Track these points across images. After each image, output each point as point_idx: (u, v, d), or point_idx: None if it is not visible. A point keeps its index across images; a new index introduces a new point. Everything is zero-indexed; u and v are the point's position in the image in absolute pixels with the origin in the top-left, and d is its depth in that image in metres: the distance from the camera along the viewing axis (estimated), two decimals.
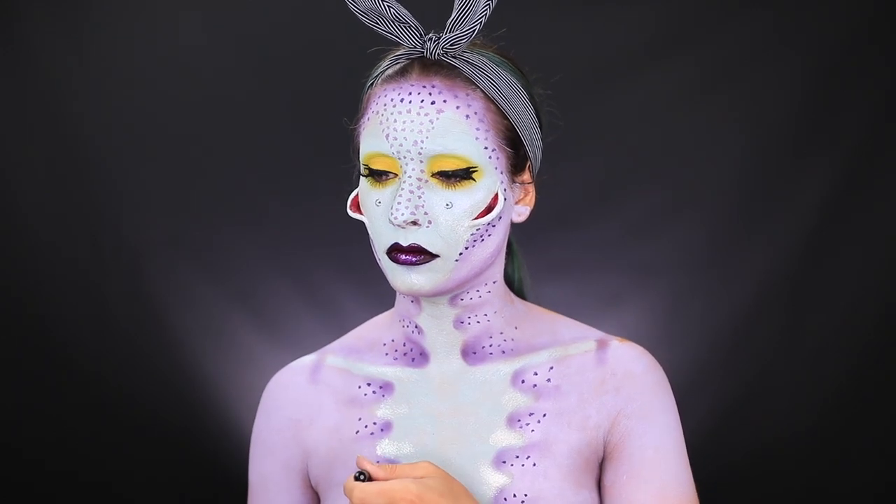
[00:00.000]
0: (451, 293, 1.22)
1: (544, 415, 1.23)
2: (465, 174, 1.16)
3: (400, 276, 1.17)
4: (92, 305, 2.37)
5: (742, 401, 2.34)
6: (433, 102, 1.15)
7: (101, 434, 2.34)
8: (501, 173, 1.19)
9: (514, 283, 1.37)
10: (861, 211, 2.30)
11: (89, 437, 2.35)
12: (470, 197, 1.16)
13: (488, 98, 1.18)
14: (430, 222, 1.15)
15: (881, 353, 2.30)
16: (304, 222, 2.37)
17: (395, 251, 1.16)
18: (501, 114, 1.19)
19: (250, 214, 2.39)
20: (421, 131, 1.15)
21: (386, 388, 1.27)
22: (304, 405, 1.30)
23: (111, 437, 2.35)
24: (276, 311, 2.39)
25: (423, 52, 1.19)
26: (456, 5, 1.16)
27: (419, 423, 1.24)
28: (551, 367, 1.25)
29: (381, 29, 1.18)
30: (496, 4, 1.16)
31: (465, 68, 1.17)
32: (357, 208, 1.23)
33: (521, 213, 1.25)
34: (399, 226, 1.15)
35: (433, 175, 1.16)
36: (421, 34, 1.18)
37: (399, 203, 1.14)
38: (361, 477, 1.11)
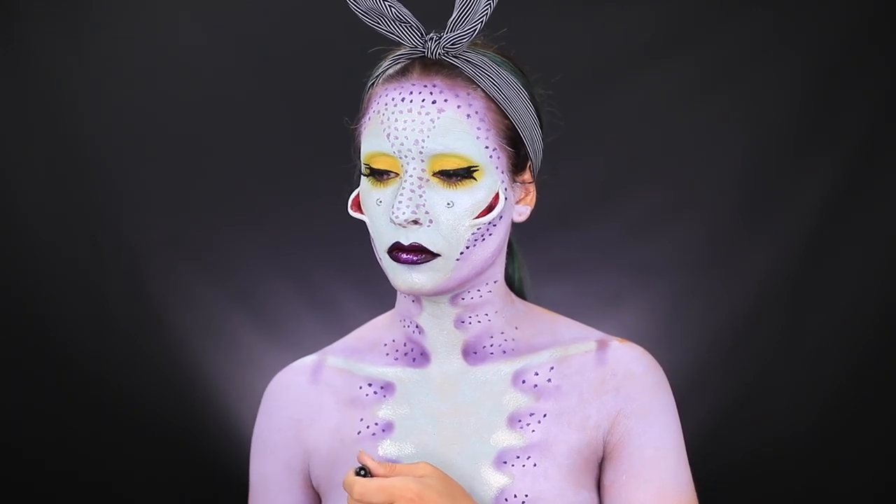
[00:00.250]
0: (452, 292, 1.22)
1: (545, 415, 1.23)
2: (466, 173, 1.16)
3: (401, 276, 1.17)
4: (92, 305, 2.37)
5: (742, 401, 2.34)
6: (434, 102, 1.16)
7: (101, 434, 2.34)
8: (502, 173, 1.19)
9: (514, 283, 1.37)
10: (861, 211, 2.30)
11: (89, 437, 2.35)
12: (471, 196, 1.16)
13: (489, 98, 1.18)
14: (431, 221, 1.16)
15: (881, 353, 2.30)
16: (304, 222, 2.37)
17: (396, 250, 1.17)
18: (502, 113, 1.19)
19: (250, 214, 2.39)
20: (422, 130, 1.15)
21: (387, 388, 1.27)
22: (306, 405, 1.30)
23: (111, 437, 2.35)
24: (276, 311, 2.39)
25: (424, 52, 1.19)
26: (457, 5, 1.16)
27: (420, 423, 1.24)
28: (552, 368, 1.25)
29: (382, 29, 1.18)
30: (497, 4, 1.16)
31: (466, 68, 1.17)
32: (358, 208, 1.23)
33: (522, 212, 1.25)
34: (400, 225, 1.15)
35: (434, 174, 1.16)
36: (422, 34, 1.18)
37: (400, 202, 1.14)
38: (362, 472, 1.11)
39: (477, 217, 1.17)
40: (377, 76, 1.22)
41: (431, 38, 1.18)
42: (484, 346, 1.26)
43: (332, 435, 1.28)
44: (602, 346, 1.27)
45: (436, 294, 1.20)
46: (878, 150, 2.29)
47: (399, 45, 1.21)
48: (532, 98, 1.23)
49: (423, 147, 1.15)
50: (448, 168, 1.15)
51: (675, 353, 2.26)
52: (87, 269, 2.36)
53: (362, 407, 1.27)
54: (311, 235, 2.36)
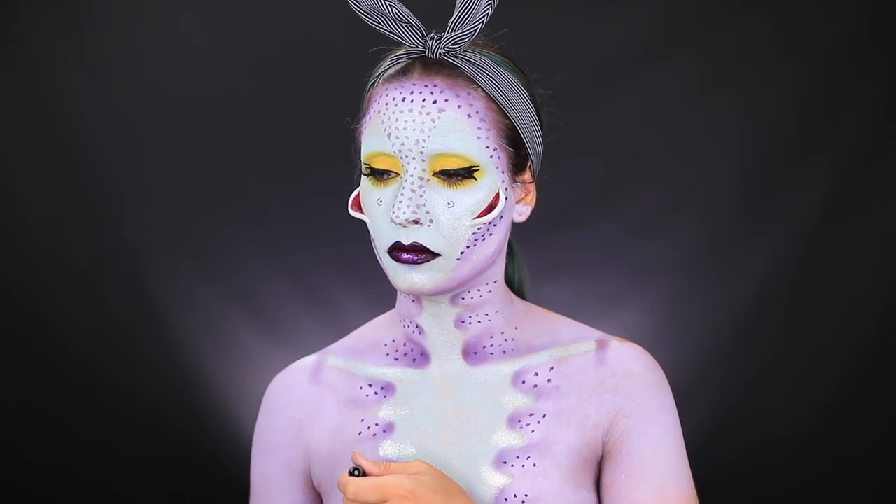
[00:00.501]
0: (453, 292, 1.22)
1: (544, 415, 1.23)
2: (466, 173, 1.16)
3: (401, 275, 1.17)
4: (92, 305, 2.36)
5: (742, 401, 2.34)
6: (435, 102, 1.16)
7: (101, 434, 2.34)
8: (503, 172, 1.19)
9: (514, 284, 1.37)
10: (861, 211, 2.30)
11: (89, 437, 2.34)
12: (471, 196, 1.16)
13: (490, 97, 1.18)
14: (431, 221, 1.16)
15: (881, 353, 2.30)
16: (304, 222, 2.37)
17: (396, 250, 1.17)
18: (503, 113, 1.19)
19: (250, 214, 2.39)
20: (423, 130, 1.15)
21: (387, 388, 1.27)
22: (306, 405, 1.31)
23: (111, 437, 2.35)
24: (276, 311, 2.39)
25: (424, 52, 1.19)
26: (458, 5, 1.16)
27: (421, 423, 1.25)
28: (551, 368, 1.25)
29: (383, 28, 1.19)
30: (497, 4, 1.16)
31: (467, 68, 1.18)
32: (358, 207, 1.23)
33: (522, 212, 1.25)
34: (401, 224, 1.15)
35: (435, 174, 1.16)
36: (423, 34, 1.19)
37: (401, 202, 1.14)
38: (356, 472, 1.12)
39: (477, 217, 1.17)
40: (378, 76, 1.22)
41: (432, 38, 1.18)
42: (484, 347, 1.26)
43: (333, 435, 1.28)
44: (602, 345, 1.27)
45: (436, 294, 1.20)
46: (878, 150, 2.29)
47: (400, 44, 1.21)
48: (532, 98, 1.24)
49: (423, 147, 1.15)
50: (448, 168, 1.16)
51: (675, 353, 2.26)
52: (87, 269, 2.36)
53: (363, 407, 1.27)
54: (311, 235, 2.36)
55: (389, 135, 1.16)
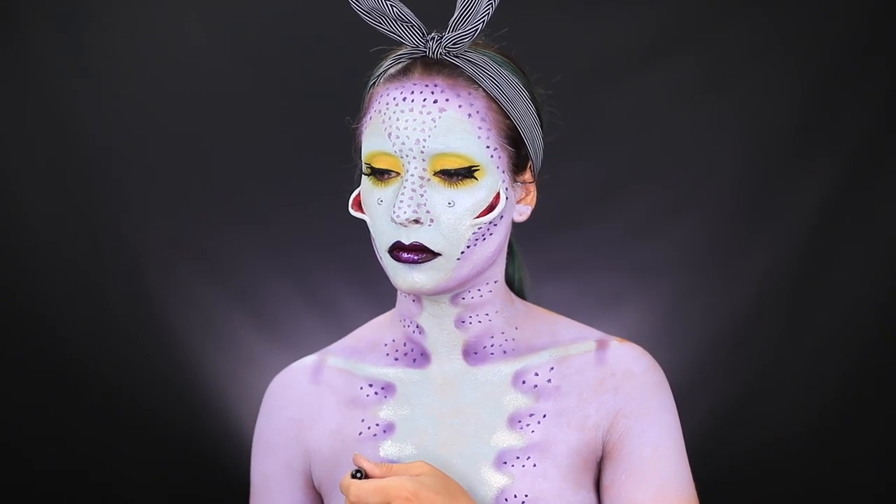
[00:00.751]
0: (453, 292, 1.22)
1: (544, 415, 1.23)
2: (467, 173, 1.16)
3: (402, 275, 1.17)
4: (92, 305, 2.36)
5: (742, 401, 2.33)
6: (435, 101, 1.16)
7: (101, 434, 2.34)
8: (503, 172, 1.19)
9: (514, 284, 1.37)
10: (861, 211, 2.30)
11: (89, 437, 2.34)
12: (472, 196, 1.16)
13: (490, 97, 1.18)
14: (432, 221, 1.16)
15: (881, 353, 2.30)
16: (304, 222, 2.37)
17: (397, 250, 1.17)
18: (503, 113, 1.19)
19: (250, 214, 2.39)
20: (423, 130, 1.15)
21: (388, 388, 1.27)
22: (306, 405, 1.31)
23: (111, 437, 2.35)
24: (276, 311, 2.39)
25: (425, 52, 1.19)
26: (458, 5, 1.16)
27: (421, 424, 1.25)
28: (552, 368, 1.26)
29: (383, 28, 1.19)
30: (498, 4, 1.16)
31: (468, 67, 1.18)
32: (359, 207, 1.23)
33: (523, 212, 1.25)
34: (401, 224, 1.15)
35: (435, 174, 1.16)
36: (423, 33, 1.19)
37: (401, 201, 1.14)
38: (358, 475, 1.11)
39: (478, 217, 1.17)
40: (378, 76, 1.22)
41: (433, 38, 1.18)
42: (484, 347, 1.26)
43: (334, 436, 1.28)
44: (602, 345, 1.27)
45: (436, 293, 1.20)
46: (878, 150, 2.29)
47: (400, 44, 1.21)
48: (533, 98, 1.24)
49: (424, 146, 1.15)
50: (449, 167, 1.16)
51: (675, 353, 2.26)
52: (87, 269, 2.36)
53: (363, 407, 1.28)
54: (311, 235, 2.36)
55: (390, 134, 1.16)
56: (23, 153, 2.33)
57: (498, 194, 1.18)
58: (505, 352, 1.26)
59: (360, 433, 1.26)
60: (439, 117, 1.15)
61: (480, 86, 1.18)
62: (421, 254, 1.16)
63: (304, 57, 2.34)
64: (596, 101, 2.34)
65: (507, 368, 1.26)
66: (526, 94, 1.22)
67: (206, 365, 2.37)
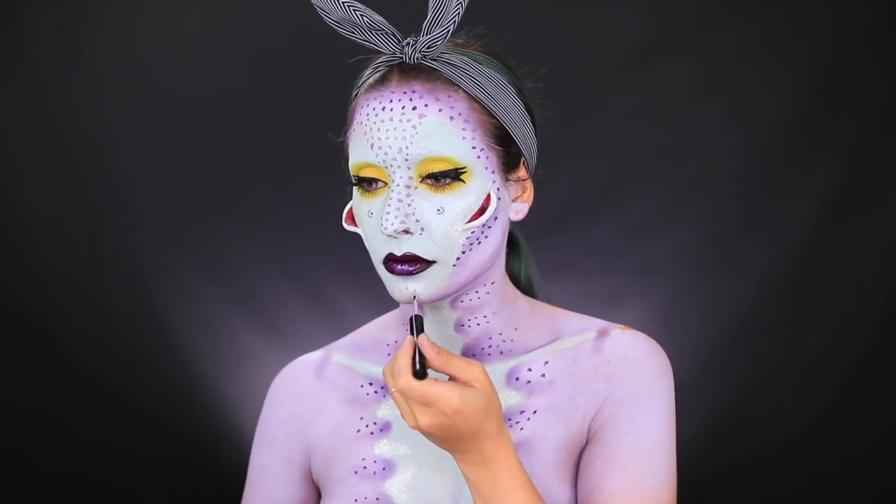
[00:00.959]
0: (452, 297, 1.22)
1: (534, 412, 1.22)
2: (454, 176, 1.14)
3: (398, 286, 1.16)
4: (92, 305, 2.36)
5: (742, 401, 2.33)
6: (415, 108, 1.14)
7: (101, 434, 2.34)
8: (493, 172, 1.17)
9: (520, 281, 1.35)
10: (861, 211, 2.30)
11: (89, 438, 2.34)
12: (461, 200, 1.15)
13: (472, 97, 1.16)
14: (422, 229, 1.14)
15: (881, 353, 2.30)
16: (304, 222, 2.37)
17: (390, 261, 1.15)
18: (488, 112, 1.17)
19: (250, 214, 2.39)
20: (405, 138, 1.14)
21: (387, 388, 1.27)
22: (309, 400, 1.31)
23: (111, 437, 2.35)
24: (276, 311, 2.39)
25: (402, 57, 1.17)
26: (430, 7, 1.14)
27: None
28: (546, 362, 1.24)
29: (357, 38, 1.17)
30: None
31: (446, 69, 1.16)
32: (352, 221, 1.23)
33: (520, 210, 1.23)
34: (391, 235, 1.14)
35: (422, 180, 1.14)
36: (399, 39, 1.17)
37: (388, 213, 1.13)
38: (421, 363, 1.07)
39: (469, 221, 1.15)
40: (359, 86, 1.21)
41: (408, 43, 1.16)
42: (483, 349, 1.25)
43: (333, 432, 1.28)
44: (602, 334, 1.25)
45: (434, 301, 1.18)
46: (878, 150, 2.29)
47: (379, 52, 1.20)
48: (520, 93, 1.21)
49: (407, 154, 1.14)
50: (435, 171, 1.14)
51: (675, 353, 2.24)
52: (87, 269, 2.36)
53: (363, 406, 1.28)
54: (311, 235, 2.36)
55: (373, 145, 1.15)
56: (23, 153, 2.33)
57: (488, 196, 1.16)
58: (502, 352, 1.26)
59: (358, 430, 1.26)
60: (420, 123, 1.14)
61: (460, 87, 1.16)
62: (415, 264, 1.14)
63: (303, 57, 2.34)
64: (596, 100, 2.33)
65: (501, 367, 1.25)
66: (512, 90, 1.20)
67: (206, 365, 2.37)
